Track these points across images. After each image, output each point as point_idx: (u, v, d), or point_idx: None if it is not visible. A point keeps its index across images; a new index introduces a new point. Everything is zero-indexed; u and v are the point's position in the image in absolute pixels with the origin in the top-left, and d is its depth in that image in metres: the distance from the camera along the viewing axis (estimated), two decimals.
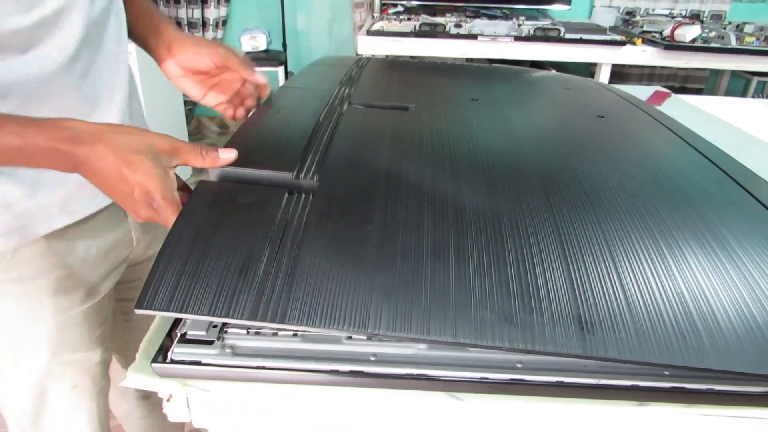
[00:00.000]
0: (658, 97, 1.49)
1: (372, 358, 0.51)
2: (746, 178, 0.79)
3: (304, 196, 0.60)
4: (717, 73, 3.37)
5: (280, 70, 3.06)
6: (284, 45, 3.29)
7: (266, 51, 3.11)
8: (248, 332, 0.53)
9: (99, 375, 0.83)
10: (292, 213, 0.57)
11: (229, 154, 0.63)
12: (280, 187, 0.61)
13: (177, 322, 0.54)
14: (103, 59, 0.70)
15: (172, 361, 0.50)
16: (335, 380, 0.50)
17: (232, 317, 0.46)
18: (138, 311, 0.46)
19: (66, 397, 0.79)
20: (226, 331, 0.53)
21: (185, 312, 0.46)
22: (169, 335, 0.53)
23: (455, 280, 0.51)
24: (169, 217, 0.55)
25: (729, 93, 3.38)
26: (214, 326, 0.53)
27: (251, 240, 0.53)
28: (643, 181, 0.73)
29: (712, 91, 3.41)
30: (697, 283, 0.54)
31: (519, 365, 0.52)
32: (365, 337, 0.53)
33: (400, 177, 0.66)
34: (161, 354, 0.51)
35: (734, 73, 3.32)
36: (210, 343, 0.51)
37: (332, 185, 0.63)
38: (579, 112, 1.06)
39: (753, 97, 3.21)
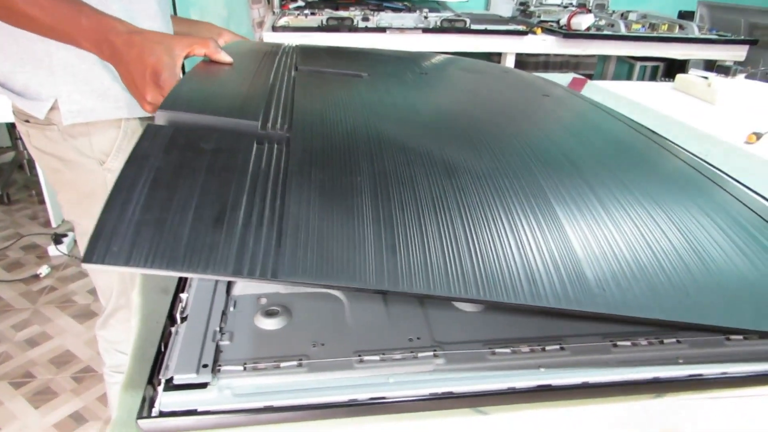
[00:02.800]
0: (577, 84, 1.54)
1: (391, 380, 0.46)
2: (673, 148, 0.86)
3: (276, 146, 0.55)
4: (605, 59, 3.59)
5: None
6: None
7: None
8: (245, 368, 0.46)
9: None
10: (266, 162, 0.52)
11: (226, 58, 0.79)
12: (245, 136, 0.56)
13: (157, 365, 0.45)
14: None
15: (162, 414, 0.42)
16: (354, 411, 0.45)
17: (213, 273, 0.39)
18: (86, 266, 0.38)
19: None
20: (218, 370, 0.46)
21: (152, 267, 0.38)
22: (151, 383, 0.44)
23: (464, 235, 0.48)
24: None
25: (616, 77, 3.62)
26: (204, 366, 0.45)
27: (224, 188, 0.47)
28: (606, 148, 0.77)
29: (601, 76, 3.63)
30: (695, 237, 0.57)
31: (542, 369, 0.49)
32: (377, 358, 0.48)
33: (378, 131, 0.64)
34: (146, 406, 0.42)
35: (620, 59, 3.56)
36: (203, 386, 0.44)
37: (307, 137, 0.59)
38: (528, 91, 1.07)
39: (639, 80, 3.46)
